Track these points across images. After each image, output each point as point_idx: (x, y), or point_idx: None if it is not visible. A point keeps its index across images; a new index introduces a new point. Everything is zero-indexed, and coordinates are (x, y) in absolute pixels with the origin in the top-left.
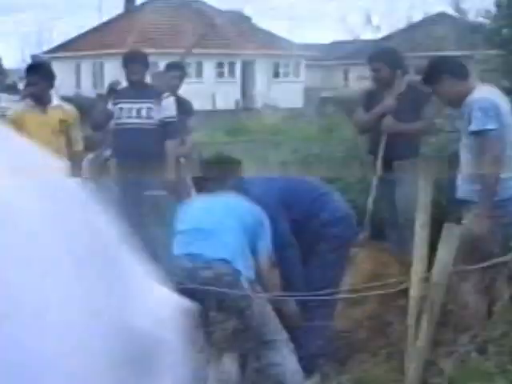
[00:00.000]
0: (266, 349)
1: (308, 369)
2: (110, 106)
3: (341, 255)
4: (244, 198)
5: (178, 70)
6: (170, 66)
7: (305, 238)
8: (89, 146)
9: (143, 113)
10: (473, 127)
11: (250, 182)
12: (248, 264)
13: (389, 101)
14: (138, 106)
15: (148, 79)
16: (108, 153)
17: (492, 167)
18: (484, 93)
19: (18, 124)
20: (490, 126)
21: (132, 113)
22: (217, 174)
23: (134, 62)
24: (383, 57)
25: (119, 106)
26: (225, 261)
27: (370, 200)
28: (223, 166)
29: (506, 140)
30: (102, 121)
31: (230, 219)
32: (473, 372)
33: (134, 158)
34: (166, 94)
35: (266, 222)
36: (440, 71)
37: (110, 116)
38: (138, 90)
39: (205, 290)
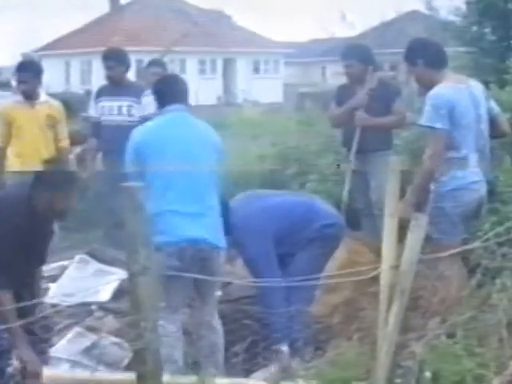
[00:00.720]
0: None
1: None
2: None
3: (330, 250)
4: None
5: (158, 66)
6: (150, 63)
7: (298, 242)
8: (77, 140)
9: (124, 110)
10: (422, 121)
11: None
12: None
13: (360, 95)
14: (118, 103)
15: (131, 77)
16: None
17: (428, 162)
18: (443, 89)
19: (7, 118)
20: (437, 125)
21: (113, 110)
22: None
23: (111, 59)
24: (355, 53)
25: (101, 103)
26: None
27: (345, 191)
28: None
29: (459, 139)
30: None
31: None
32: (442, 355)
33: (116, 155)
34: (147, 91)
35: None
36: (416, 54)
37: None
38: (118, 87)
39: None
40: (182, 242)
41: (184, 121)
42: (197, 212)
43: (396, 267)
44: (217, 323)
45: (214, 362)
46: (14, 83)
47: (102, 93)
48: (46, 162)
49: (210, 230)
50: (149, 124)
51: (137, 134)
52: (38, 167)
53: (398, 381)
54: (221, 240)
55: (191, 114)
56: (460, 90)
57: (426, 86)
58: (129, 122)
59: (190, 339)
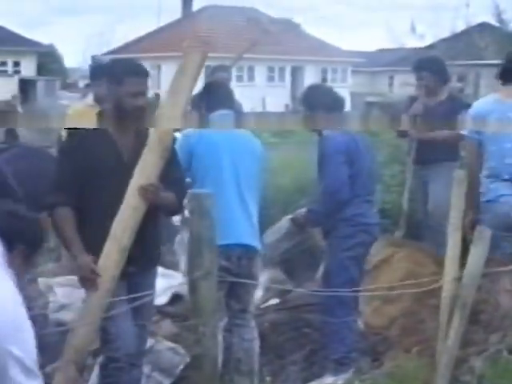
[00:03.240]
0: None
1: (342, 363)
2: None
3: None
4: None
5: (223, 72)
6: (216, 69)
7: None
8: None
9: None
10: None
11: None
12: None
13: (416, 107)
14: None
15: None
16: None
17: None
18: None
19: (76, 122)
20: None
21: None
22: None
23: None
24: (428, 65)
25: None
26: None
27: (405, 201)
28: None
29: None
30: None
31: None
32: (503, 371)
33: None
34: None
35: None
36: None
37: None
38: None
39: None
40: (230, 243)
41: (229, 128)
42: (242, 216)
43: (458, 280)
44: (253, 330)
45: (248, 370)
46: (81, 85)
47: None
48: None
49: (252, 233)
50: (199, 131)
51: (189, 140)
52: None
53: None
54: (259, 244)
55: (237, 119)
56: (496, 103)
57: None
58: None
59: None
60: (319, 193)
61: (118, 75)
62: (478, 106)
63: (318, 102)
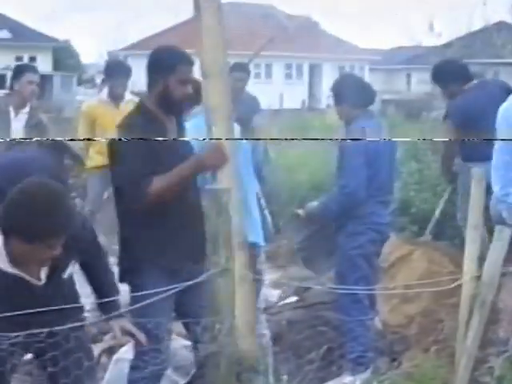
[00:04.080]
0: None
1: (360, 362)
2: None
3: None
4: None
5: (241, 70)
6: (234, 67)
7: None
8: None
9: None
10: None
11: None
12: None
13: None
14: None
15: None
16: None
17: None
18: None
19: (90, 117)
20: None
21: None
22: None
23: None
24: (449, 72)
25: None
26: None
27: (440, 206)
28: None
29: None
30: None
31: None
32: None
33: None
34: None
35: None
36: None
37: None
38: None
39: None
40: None
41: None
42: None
43: (477, 278)
44: (263, 326)
45: (264, 368)
46: (98, 81)
47: None
48: None
49: (254, 229)
50: None
51: None
52: None
53: None
54: (262, 240)
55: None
56: None
57: None
58: None
59: None
60: (335, 190)
61: (171, 63)
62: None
63: (349, 92)
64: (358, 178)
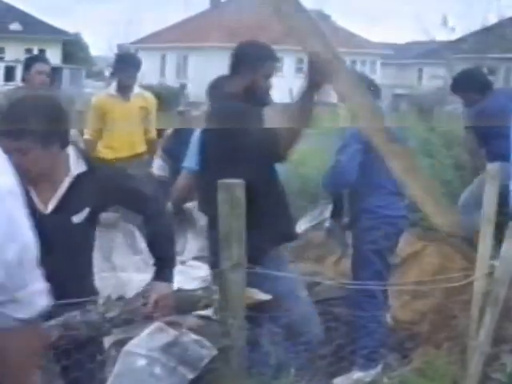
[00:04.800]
0: None
1: (371, 358)
2: None
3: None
4: None
5: None
6: None
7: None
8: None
9: None
10: None
11: None
12: None
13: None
14: None
15: None
16: None
17: None
18: None
19: (100, 111)
20: None
21: None
22: None
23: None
24: (468, 81)
25: None
26: None
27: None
28: None
29: None
30: None
31: None
32: None
33: None
34: None
35: None
36: None
37: None
38: None
39: None
40: None
41: None
42: None
43: (490, 275)
44: None
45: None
46: (107, 73)
47: None
48: None
49: None
50: None
51: None
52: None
53: None
54: None
55: None
56: None
57: None
58: None
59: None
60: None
61: (261, 58)
62: None
63: None
64: (351, 160)
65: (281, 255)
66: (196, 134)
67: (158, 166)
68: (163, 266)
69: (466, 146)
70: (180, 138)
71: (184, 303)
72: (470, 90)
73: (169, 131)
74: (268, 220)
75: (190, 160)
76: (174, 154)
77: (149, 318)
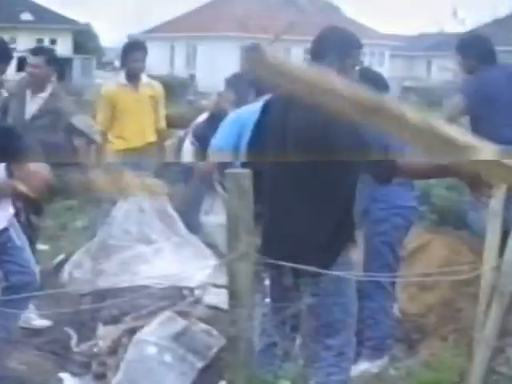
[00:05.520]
0: None
1: (378, 349)
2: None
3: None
4: None
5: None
6: (251, 49)
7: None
8: (177, 123)
9: None
10: None
11: None
12: None
13: None
14: None
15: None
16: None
17: None
18: None
19: (110, 101)
20: None
21: None
22: None
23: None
24: (474, 46)
25: None
26: None
27: None
28: None
29: None
30: None
31: None
32: None
33: None
34: None
35: None
36: None
37: None
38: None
39: None
40: None
41: None
42: None
43: (497, 268)
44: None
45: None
46: (117, 64)
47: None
48: None
49: None
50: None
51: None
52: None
53: None
54: None
55: None
56: None
57: None
58: None
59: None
60: None
61: (348, 47)
62: None
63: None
64: None
65: (350, 257)
66: (228, 117)
67: (187, 150)
68: None
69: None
70: (213, 124)
71: None
72: (472, 54)
73: (201, 118)
74: (346, 222)
75: (220, 140)
76: (207, 140)
77: None
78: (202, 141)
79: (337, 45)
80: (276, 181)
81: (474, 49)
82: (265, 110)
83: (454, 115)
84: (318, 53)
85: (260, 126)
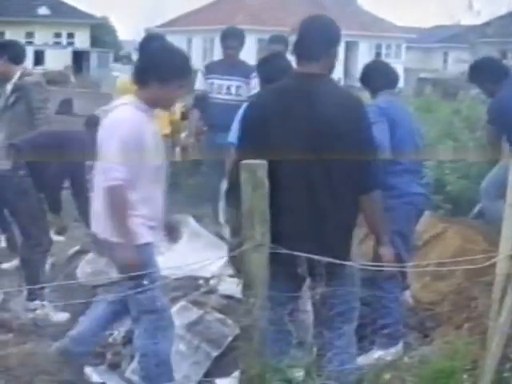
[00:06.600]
0: None
1: (391, 337)
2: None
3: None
4: None
5: (279, 43)
6: (272, 40)
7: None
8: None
9: (232, 90)
10: None
11: None
12: None
13: None
14: (228, 83)
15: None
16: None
17: None
18: None
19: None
20: None
21: (222, 89)
22: None
23: (231, 37)
24: (484, 70)
25: (211, 80)
26: None
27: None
28: None
29: None
30: None
31: None
32: None
33: (223, 133)
34: (254, 74)
35: None
36: None
37: None
38: (229, 66)
39: None
40: None
41: None
42: None
43: None
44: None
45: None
46: (134, 57)
47: (212, 70)
48: None
49: None
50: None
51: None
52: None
53: (507, 374)
54: None
55: None
56: None
57: None
58: (236, 101)
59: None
60: None
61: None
62: None
63: (375, 80)
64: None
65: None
66: (240, 112)
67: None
68: None
69: (487, 139)
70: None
71: None
72: (485, 80)
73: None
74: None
75: (234, 136)
76: None
77: None
78: None
79: (339, 36)
80: (273, 174)
81: (484, 73)
82: (251, 104)
83: (492, 141)
84: (328, 44)
85: (245, 121)
